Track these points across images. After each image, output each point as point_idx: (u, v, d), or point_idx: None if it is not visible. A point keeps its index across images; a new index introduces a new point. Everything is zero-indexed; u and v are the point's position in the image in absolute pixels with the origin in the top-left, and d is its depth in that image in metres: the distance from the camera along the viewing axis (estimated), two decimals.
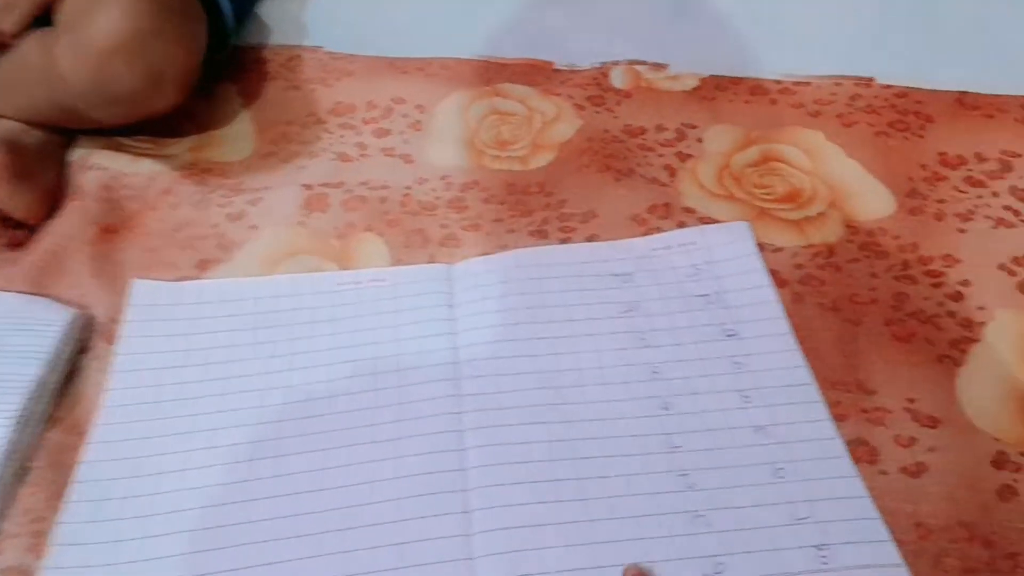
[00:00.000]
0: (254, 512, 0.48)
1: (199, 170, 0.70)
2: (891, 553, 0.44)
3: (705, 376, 0.53)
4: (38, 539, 0.48)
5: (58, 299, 0.60)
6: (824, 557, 0.44)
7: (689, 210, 0.65)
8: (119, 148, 0.71)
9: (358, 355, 0.56)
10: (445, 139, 0.73)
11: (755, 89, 0.76)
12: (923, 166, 0.67)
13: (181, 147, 0.72)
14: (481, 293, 0.60)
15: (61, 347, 0.56)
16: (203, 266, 0.63)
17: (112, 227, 0.66)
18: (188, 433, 0.53)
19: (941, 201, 0.64)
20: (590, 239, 0.64)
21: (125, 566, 0.46)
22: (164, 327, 0.59)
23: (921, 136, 0.70)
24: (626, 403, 0.52)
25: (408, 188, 0.68)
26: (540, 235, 0.64)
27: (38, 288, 0.61)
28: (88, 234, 0.65)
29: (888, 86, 0.74)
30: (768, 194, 0.66)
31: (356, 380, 0.55)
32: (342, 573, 0.45)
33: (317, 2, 0.87)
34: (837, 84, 0.75)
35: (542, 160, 0.70)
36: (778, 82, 0.76)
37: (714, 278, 0.59)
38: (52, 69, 0.63)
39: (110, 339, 0.58)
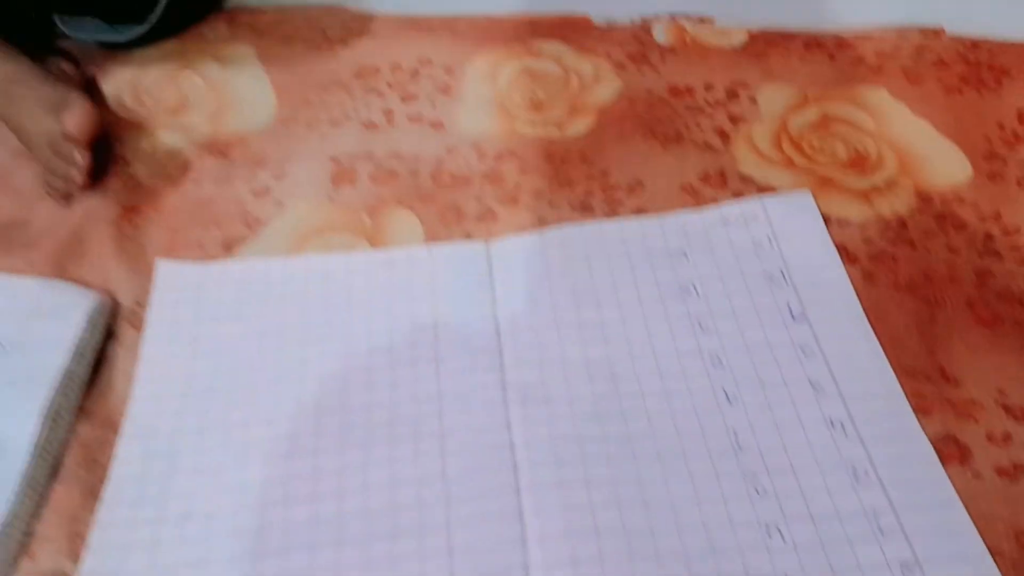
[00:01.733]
0: (294, 514, 0.46)
1: (219, 143, 0.66)
2: (988, 568, 0.40)
3: (772, 364, 0.49)
4: (73, 541, 0.46)
5: (80, 283, 0.57)
6: (913, 575, 0.40)
7: (746, 178, 0.61)
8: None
9: (394, 341, 0.53)
10: (475, 103, 0.68)
11: (810, 43, 0.70)
12: (1001, 125, 0.62)
13: (199, 117, 0.68)
14: (522, 273, 0.56)
15: (87, 334, 0.53)
16: (229, 244, 0.61)
17: (134, 207, 0.63)
18: (223, 426, 0.50)
19: None
20: (638, 212, 0.60)
21: (164, 568, 0.44)
22: (191, 311, 0.56)
23: (997, 91, 0.64)
24: (686, 396, 0.48)
25: (440, 159, 0.64)
26: (584, 209, 0.60)
27: (59, 272, 0.58)
28: (110, 214, 0.61)
29: (958, 37, 0.68)
30: (831, 160, 0.61)
31: (394, 370, 0.52)
32: None
33: None
34: (902, 35, 0.69)
35: (581, 125, 0.66)
36: (836, 35, 0.70)
37: (778, 255, 0.55)
38: None
39: (137, 325, 0.56)
